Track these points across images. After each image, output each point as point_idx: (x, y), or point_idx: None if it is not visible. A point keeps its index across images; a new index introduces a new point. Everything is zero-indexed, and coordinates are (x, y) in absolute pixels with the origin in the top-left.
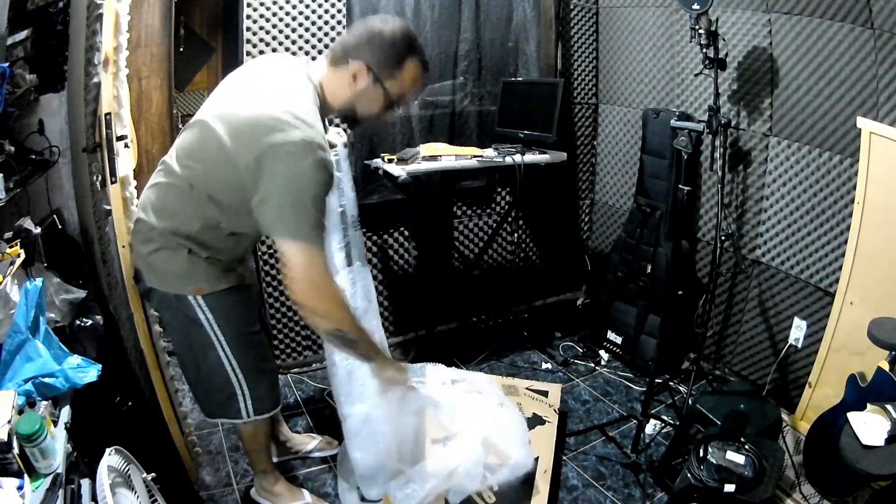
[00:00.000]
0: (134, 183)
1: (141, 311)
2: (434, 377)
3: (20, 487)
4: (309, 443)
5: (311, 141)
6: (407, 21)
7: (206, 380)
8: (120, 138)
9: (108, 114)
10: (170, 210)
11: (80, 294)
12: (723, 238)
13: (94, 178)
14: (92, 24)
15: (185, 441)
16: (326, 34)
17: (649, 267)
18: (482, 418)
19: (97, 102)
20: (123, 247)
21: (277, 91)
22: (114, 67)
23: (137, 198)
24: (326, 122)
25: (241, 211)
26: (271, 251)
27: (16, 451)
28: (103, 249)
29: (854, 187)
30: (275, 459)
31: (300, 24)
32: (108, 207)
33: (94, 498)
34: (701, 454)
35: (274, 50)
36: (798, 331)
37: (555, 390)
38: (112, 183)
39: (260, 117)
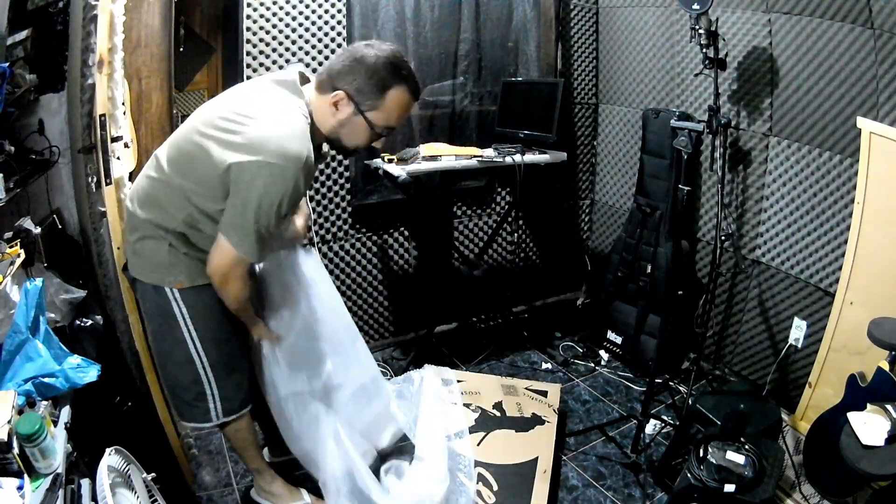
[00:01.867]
0: (129, 185)
1: (136, 313)
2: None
3: (20, 487)
4: None
5: (287, 164)
6: (397, 46)
7: (175, 377)
8: (115, 139)
9: (103, 115)
10: (154, 203)
11: (80, 294)
12: (723, 238)
13: (90, 179)
14: (87, 25)
15: (182, 443)
16: (326, 34)
17: (649, 267)
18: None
19: (92, 104)
20: (118, 248)
21: (271, 108)
22: (108, 69)
23: None
24: (322, 147)
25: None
26: None
27: (16, 451)
28: (99, 251)
29: (854, 187)
30: (269, 459)
31: (300, 24)
32: (102, 209)
33: (94, 498)
34: (701, 454)
35: (274, 50)
36: (798, 331)
37: (554, 390)
38: (107, 184)
39: (248, 132)
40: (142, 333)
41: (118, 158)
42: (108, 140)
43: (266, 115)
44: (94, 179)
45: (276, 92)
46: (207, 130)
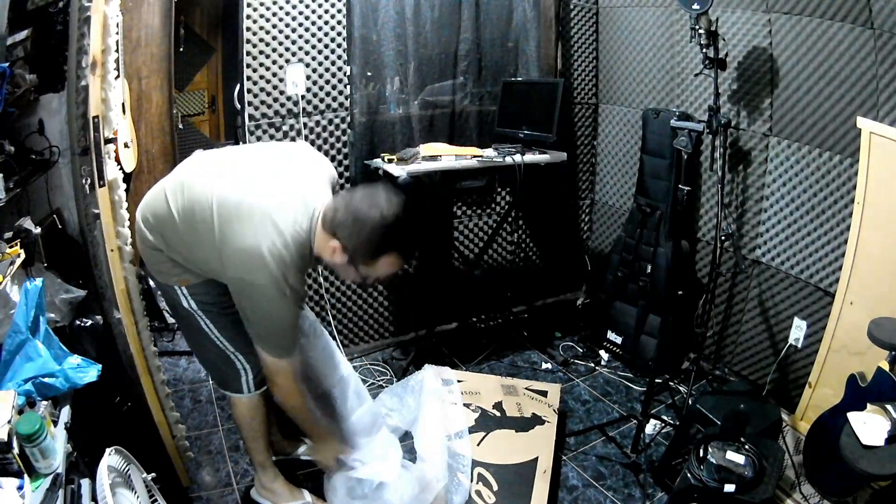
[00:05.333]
0: (123, 186)
1: (130, 316)
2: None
3: (20, 487)
4: (298, 446)
5: (283, 284)
6: (399, 204)
7: (209, 358)
8: (108, 141)
9: (96, 117)
10: (163, 236)
11: (80, 294)
12: (723, 238)
13: (84, 181)
14: (80, 27)
15: (176, 445)
16: (326, 34)
17: (649, 267)
18: None
19: (86, 105)
20: (112, 251)
21: (278, 224)
22: (101, 70)
23: (126, 200)
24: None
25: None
26: None
27: (16, 451)
28: (94, 252)
29: (854, 187)
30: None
31: (300, 24)
32: (96, 211)
33: (94, 498)
34: (701, 454)
35: (274, 50)
36: (798, 331)
37: (554, 390)
38: (100, 186)
39: (247, 250)
40: (136, 336)
41: (116, 160)
42: (102, 142)
43: (274, 231)
44: (88, 181)
45: (296, 214)
46: (220, 218)
